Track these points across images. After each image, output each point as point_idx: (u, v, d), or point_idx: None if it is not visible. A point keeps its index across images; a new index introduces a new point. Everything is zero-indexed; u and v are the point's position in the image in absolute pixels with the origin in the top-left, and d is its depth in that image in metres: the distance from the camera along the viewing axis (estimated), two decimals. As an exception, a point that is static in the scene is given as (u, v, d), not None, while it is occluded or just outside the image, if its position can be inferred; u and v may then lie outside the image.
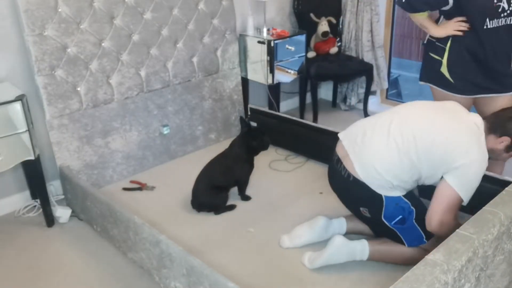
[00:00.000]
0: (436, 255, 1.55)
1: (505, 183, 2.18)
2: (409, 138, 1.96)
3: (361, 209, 2.12)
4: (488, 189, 2.27)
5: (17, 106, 2.36)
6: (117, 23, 2.82)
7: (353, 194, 2.13)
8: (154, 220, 2.51)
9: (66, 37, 2.62)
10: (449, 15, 2.46)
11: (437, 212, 1.96)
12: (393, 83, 5.28)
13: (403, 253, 2.11)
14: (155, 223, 2.46)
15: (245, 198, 2.75)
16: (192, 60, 3.25)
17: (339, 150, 2.16)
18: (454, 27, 2.41)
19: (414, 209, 2.04)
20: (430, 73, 2.61)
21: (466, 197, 1.96)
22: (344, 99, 4.29)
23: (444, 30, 2.45)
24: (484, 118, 2.07)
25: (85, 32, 2.69)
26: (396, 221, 2.04)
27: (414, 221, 2.04)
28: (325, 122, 3.63)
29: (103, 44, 2.78)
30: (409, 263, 2.00)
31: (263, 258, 2.27)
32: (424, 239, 2.07)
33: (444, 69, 2.49)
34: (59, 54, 2.62)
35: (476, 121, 2.01)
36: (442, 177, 1.98)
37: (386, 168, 1.98)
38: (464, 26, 2.39)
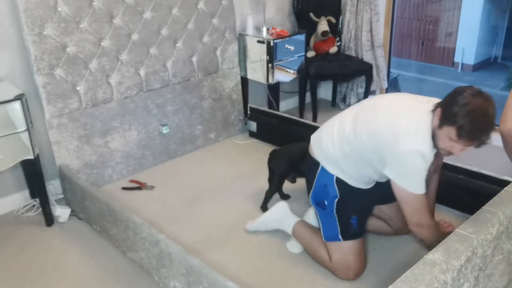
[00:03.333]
0: (435, 255, 1.55)
1: (504, 183, 2.18)
2: (352, 127, 1.97)
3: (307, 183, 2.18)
4: (487, 189, 2.27)
5: (17, 105, 2.35)
6: (117, 22, 2.82)
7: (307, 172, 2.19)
8: (154, 220, 2.51)
9: (66, 36, 2.62)
10: None
11: (408, 215, 1.88)
12: (393, 82, 5.30)
13: (317, 249, 2.14)
14: (155, 223, 2.46)
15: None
16: (192, 60, 3.25)
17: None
18: None
19: (337, 199, 2.01)
20: None
21: (417, 190, 1.80)
22: (344, 99, 4.29)
23: None
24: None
25: (85, 31, 2.69)
26: (318, 202, 2.08)
27: (334, 212, 2.03)
28: (324, 122, 3.61)
29: (102, 43, 2.78)
30: (319, 262, 2.17)
31: (262, 257, 2.27)
32: (340, 237, 2.05)
33: None
34: (59, 53, 2.62)
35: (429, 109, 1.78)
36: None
37: (339, 141, 2.01)
38: None
